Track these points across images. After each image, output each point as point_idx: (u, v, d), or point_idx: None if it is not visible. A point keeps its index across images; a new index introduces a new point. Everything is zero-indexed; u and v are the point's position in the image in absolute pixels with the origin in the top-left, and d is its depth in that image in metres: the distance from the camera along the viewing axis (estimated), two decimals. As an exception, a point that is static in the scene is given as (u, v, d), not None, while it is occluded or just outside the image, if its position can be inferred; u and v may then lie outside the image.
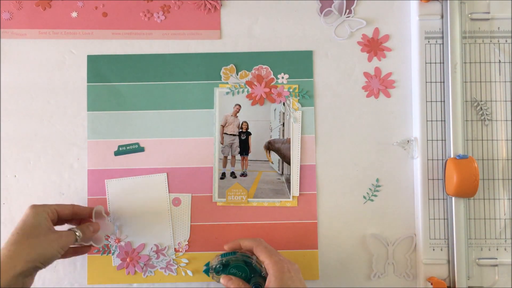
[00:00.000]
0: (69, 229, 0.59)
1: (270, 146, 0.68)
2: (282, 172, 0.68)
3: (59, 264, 0.66)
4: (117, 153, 0.67)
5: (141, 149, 0.68)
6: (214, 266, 0.60)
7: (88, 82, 0.68)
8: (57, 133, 0.68)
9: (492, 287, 0.65)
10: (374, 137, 0.68)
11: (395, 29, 0.69)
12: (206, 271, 0.60)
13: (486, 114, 0.67)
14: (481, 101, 0.67)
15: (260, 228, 0.67)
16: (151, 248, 0.66)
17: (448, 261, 0.65)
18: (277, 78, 0.68)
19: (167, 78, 0.68)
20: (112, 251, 0.66)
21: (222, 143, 0.68)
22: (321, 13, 0.69)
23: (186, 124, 0.68)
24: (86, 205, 0.67)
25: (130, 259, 0.66)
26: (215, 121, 0.68)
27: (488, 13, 0.67)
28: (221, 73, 0.68)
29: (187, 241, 0.67)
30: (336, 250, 0.67)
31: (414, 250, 0.67)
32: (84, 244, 0.61)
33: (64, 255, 0.60)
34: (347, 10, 0.69)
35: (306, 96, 0.68)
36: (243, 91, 0.68)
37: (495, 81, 0.67)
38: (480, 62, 0.67)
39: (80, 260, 0.66)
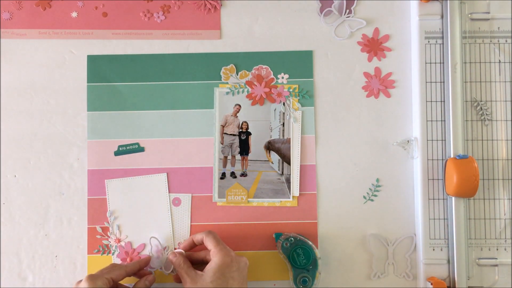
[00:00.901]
0: None
1: (270, 146, 0.68)
2: (282, 172, 0.68)
3: (59, 264, 0.66)
4: (117, 153, 0.67)
5: (141, 149, 0.68)
6: (285, 237, 0.64)
7: (88, 82, 0.68)
8: (57, 133, 0.68)
9: (492, 287, 0.65)
10: (374, 137, 0.68)
11: (395, 29, 0.69)
12: (277, 237, 0.65)
13: (486, 114, 0.67)
14: (481, 101, 0.67)
15: (260, 228, 0.67)
16: (151, 248, 0.66)
17: (448, 261, 0.65)
18: (277, 78, 0.68)
19: (167, 78, 0.68)
20: (112, 251, 0.66)
21: (222, 143, 0.68)
22: (321, 13, 0.69)
23: (186, 124, 0.68)
24: (86, 205, 0.67)
25: (130, 259, 0.66)
26: (215, 121, 0.68)
27: (488, 13, 0.67)
28: (221, 73, 0.68)
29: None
30: (336, 250, 0.67)
31: (414, 250, 0.67)
32: None
33: None
34: (347, 10, 0.69)
35: (306, 96, 0.68)
36: (243, 91, 0.68)
37: (495, 81, 0.67)
38: (480, 62, 0.67)
39: (80, 260, 0.66)
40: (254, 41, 0.69)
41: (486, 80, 0.67)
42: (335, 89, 0.68)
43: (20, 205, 0.67)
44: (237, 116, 0.68)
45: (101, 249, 0.66)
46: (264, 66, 0.68)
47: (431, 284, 0.63)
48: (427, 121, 0.66)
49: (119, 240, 0.67)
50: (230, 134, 0.68)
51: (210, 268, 0.58)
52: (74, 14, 0.68)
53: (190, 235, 0.67)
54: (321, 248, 0.67)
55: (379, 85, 0.68)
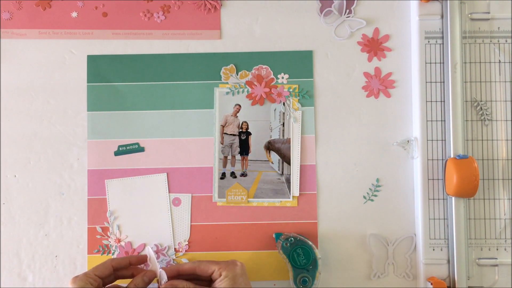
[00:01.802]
0: None
1: (270, 146, 0.68)
2: (282, 172, 0.68)
3: (59, 264, 0.66)
4: (117, 153, 0.67)
5: (141, 149, 0.68)
6: (285, 237, 0.63)
7: (88, 82, 0.68)
8: (57, 133, 0.68)
9: (492, 287, 0.65)
10: (374, 137, 0.68)
11: (395, 29, 0.69)
12: (277, 237, 0.65)
13: (486, 114, 0.67)
14: (481, 101, 0.67)
15: (260, 228, 0.67)
16: (151, 248, 0.66)
17: (448, 261, 0.65)
18: (277, 78, 0.68)
19: (167, 78, 0.68)
20: (112, 251, 0.66)
21: (222, 143, 0.68)
22: (321, 13, 0.69)
23: (186, 124, 0.68)
24: (86, 205, 0.67)
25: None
26: (215, 121, 0.68)
27: (488, 13, 0.67)
28: (221, 73, 0.68)
29: (187, 241, 0.67)
30: (336, 250, 0.67)
31: (414, 250, 0.67)
32: None
33: None
34: (347, 10, 0.69)
35: (306, 96, 0.68)
36: (243, 91, 0.68)
37: (495, 81, 0.67)
38: (480, 62, 0.67)
39: (80, 260, 0.66)
40: (254, 41, 0.69)
41: (486, 80, 0.67)
42: (335, 89, 0.68)
43: (20, 205, 0.67)
44: (237, 116, 0.68)
45: (101, 249, 0.66)
46: (264, 66, 0.68)
47: (431, 284, 0.63)
48: (427, 121, 0.66)
49: (119, 240, 0.67)
50: (230, 134, 0.68)
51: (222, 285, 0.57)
52: (74, 14, 0.68)
53: (190, 235, 0.67)
54: (321, 248, 0.67)
55: (379, 85, 0.68)
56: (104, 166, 0.67)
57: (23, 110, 0.68)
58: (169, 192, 0.67)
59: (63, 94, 0.68)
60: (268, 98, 0.68)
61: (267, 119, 0.68)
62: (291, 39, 0.69)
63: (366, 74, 0.68)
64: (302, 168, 0.68)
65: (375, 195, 0.67)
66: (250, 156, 0.68)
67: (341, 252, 0.67)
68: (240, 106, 0.68)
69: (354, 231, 0.67)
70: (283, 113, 0.68)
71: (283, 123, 0.68)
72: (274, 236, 0.65)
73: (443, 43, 0.67)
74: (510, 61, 0.67)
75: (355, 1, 0.69)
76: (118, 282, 0.61)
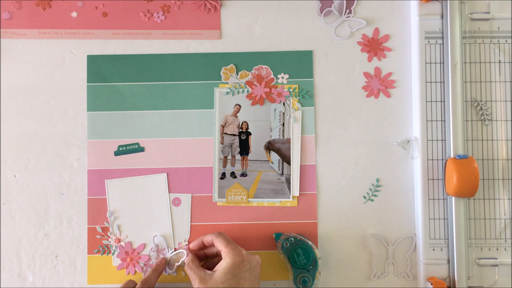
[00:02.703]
0: None
1: (270, 146, 0.68)
2: (282, 172, 0.68)
3: (59, 264, 0.66)
4: (117, 153, 0.67)
5: (141, 149, 0.68)
6: (285, 237, 0.64)
7: (88, 82, 0.68)
8: (57, 133, 0.68)
9: (492, 287, 0.65)
10: (374, 137, 0.68)
11: (395, 29, 0.69)
12: (277, 237, 0.65)
13: (486, 114, 0.67)
14: (481, 101, 0.67)
15: (260, 228, 0.67)
16: (151, 248, 0.66)
17: (448, 261, 0.65)
18: (277, 78, 0.68)
19: (167, 78, 0.68)
20: (112, 251, 0.66)
21: (222, 143, 0.68)
22: (321, 13, 0.69)
23: (186, 124, 0.68)
24: (86, 205, 0.67)
25: (130, 259, 0.66)
26: (215, 121, 0.68)
27: (488, 13, 0.67)
28: (221, 73, 0.68)
29: (187, 241, 0.67)
30: (336, 250, 0.67)
31: (414, 250, 0.67)
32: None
33: None
34: (347, 10, 0.69)
35: (306, 96, 0.68)
36: (243, 91, 0.68)
37: (495, 81, 0.67)
38: (480, 62, 0.67)
39: (80, 260, 0.66)
40: (254, 41, 0.69)
41: (486, 80, 0.67)
42: (335, 89, 0.68)
43: (20, 205, 0.67)
44: (237, 116, 0.68)
45: (101, 249, 0.66)
46: (264, 66, 0.68)
47: (431, 284, 0.63)
48: (427, 121, 0.66)
49: (119, 240, 0.67)
50: (230, 134, 0.68)
51: (221, 268, 0.58)
52: (74, 14, 0.68)
53: (190, 235, 0.67)
54: (321, 248, 0.67)
55: (379, 85, 0.68)
56: (104, 166, 0.67)
57: (23, 110, 0.68)
58: (169, 192, 0.67)
59: (63, 94, 0.68)
60: (268, 98, 0.68)
61: (267, 119, 0.68)
62: (291, 39, 0.69)
63: (366, 74, 0.68)
64: (302, 168, 0.68)
65: (375, 195, 0.67)
66: (250, 156, 0.68)
67: (341, 252, 0.67)
68: (240, 106, 0.68)
69: (354, 231, 0.67)
70: (283, 113, 0.68)
71: (283, 123, 0.68)
72: (274, 236, 0.65)
73: (443, 43, 0.67)
74: (510, 61, 0.67)
75: (355, 1, 0.69)
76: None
